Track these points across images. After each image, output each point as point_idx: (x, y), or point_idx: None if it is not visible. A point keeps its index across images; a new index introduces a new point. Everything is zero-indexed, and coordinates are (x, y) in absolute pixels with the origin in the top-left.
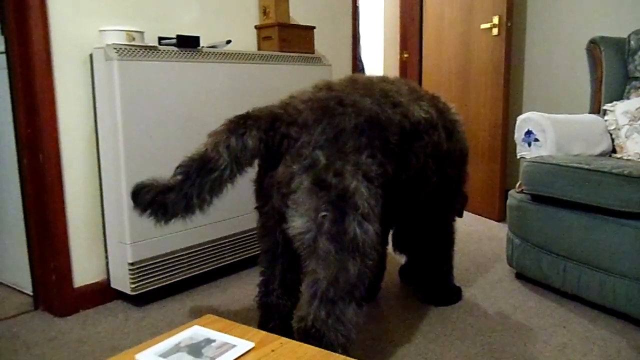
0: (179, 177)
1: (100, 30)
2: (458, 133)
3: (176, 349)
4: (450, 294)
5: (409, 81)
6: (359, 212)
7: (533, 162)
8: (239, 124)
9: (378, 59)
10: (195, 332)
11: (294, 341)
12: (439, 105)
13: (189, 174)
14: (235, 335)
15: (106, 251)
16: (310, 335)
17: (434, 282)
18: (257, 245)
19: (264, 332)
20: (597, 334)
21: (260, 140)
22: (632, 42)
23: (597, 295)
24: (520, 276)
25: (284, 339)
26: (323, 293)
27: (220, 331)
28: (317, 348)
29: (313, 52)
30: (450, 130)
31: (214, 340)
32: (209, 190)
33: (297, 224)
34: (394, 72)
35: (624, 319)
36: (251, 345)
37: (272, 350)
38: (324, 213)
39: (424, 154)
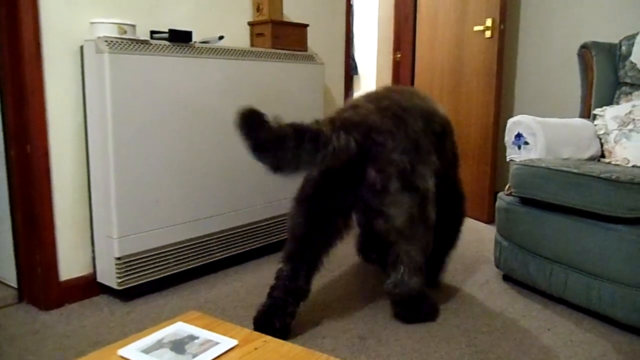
0: (289, 130)
1: (92, 23)
2: (439, 116)
3: (159, 345)
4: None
5: (418, 89)
6: (432, 202)
7: (522, 165)
8: (346, 125)
9: (371, 59)
10: (179, 328)
11: (277, 339)
12: (422, 96)
13: (303, 138)
14: (219, 333)
15: (93, 245)
16: (412, 296)
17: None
18: (244, 243)
19: (247, 330)
20: (582, 337)
21: (357, 143)
22: (623, 48)
23: (582, 298)
24: (507, 278)
25: (267, 337)
26: (417, 263)
27: (204, 328)
28: (300, 347)
29: (306, 50)
30: (434, 114)
31: (197, 337)
32: (307, 162)
33: (400, 219)
34: (387, 73)
35: (609, 322)
36: (234, 342)
37: (256, 349)
38: (416, 208)
39: (447, 150)
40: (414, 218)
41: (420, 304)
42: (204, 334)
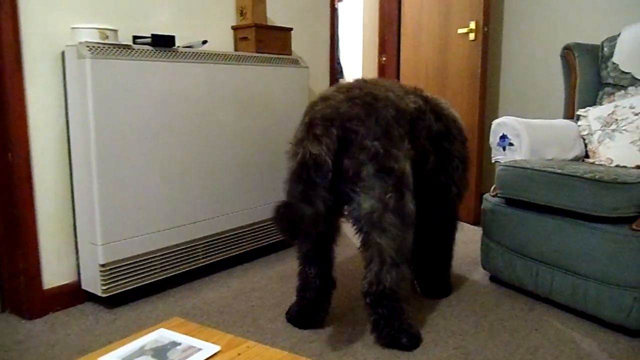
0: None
1: (73, 28)
2: (445, 116)
3: (141, 352)
4: (448, 285)
5: (394, 80)
6: (410, 190)
7: (507, 166)
8: (324, 127)
9: (357, 62)
10: (161, 335)
11: (260, 344)
12: (423, 95)
13: (314, 180)
14: (201, 339)
15: (77, 252)
16: (385, 296)
17: (435, 273)
18: (230, 248)
19: (230, 336)
20: (568, 337)
21: (338, 137)
22: (605, 49)
23: (568, 298)
24: (494, 279)
25: (250, 342)
26: (392, 259)
27: (186, 334)
28: (284, 352)
29: (290, 54)
30: (437, 113)
31: (179, 344)
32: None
33: (367, 204)
34: (373, 75)
35: (595, 321)
36: (217, 348)
37: (239, 354)
38: (390, 194)
39: (421, 137)
40: (386, 205)
41: (394, 309)
42: (186, 340)
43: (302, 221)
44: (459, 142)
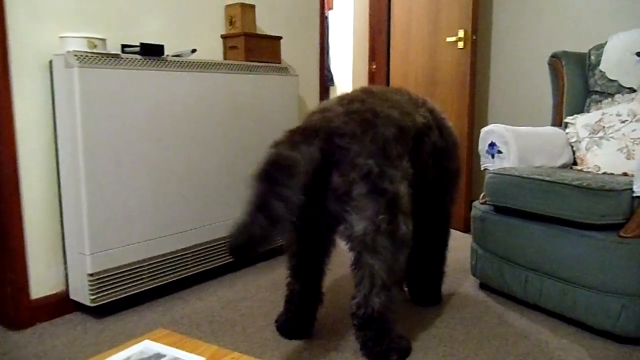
0: (261, 186)
1: (61, 37)
2: (447, 129)
3: None
4: (439, 294)
5: (405, 90)
6: (404, 212)
7: (496, 173)
8: (305, 134)
9: (347, 70)
10: (146, 346)
11: (245, 356)
12: (430, 109)
13: (276, 179)
14: (186, 350)
15: (65, 262)
16: (373, 319)
17: (428, 282)
18: (219, 257)
19: (215, 347)
20: (557, 344)
21: (321, 150)
22: (592, 57)
23: (557, 305)
24: (483, 286)
25: (235, 354)
26: (382, 282)
27: (171, 345)
28: None
29: (280, 62)
30: (440, 128)
31: (164, 355)
32: (292, 200)
33: (360, 227)
34: (363, 83)
35: (584, 328)
36: None
37: None
38: (382, 216)
39: (425, 153)
40: (379, 227)
41: (381, 330)
42: (171, 352)
43: (250, 244)
44: (455, 156)
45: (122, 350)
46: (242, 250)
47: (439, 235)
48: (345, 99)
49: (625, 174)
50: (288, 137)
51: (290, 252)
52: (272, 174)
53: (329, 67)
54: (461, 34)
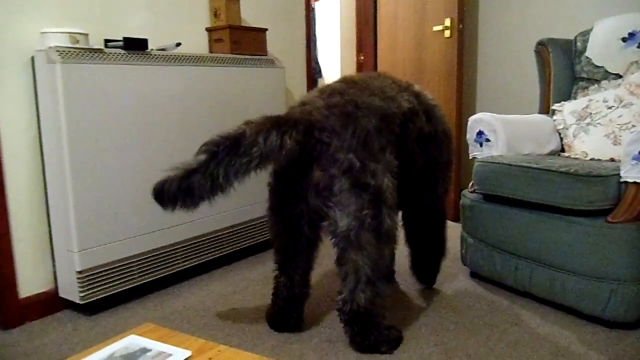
0: (202, 157)
1: (42, 32)
2: (436, 118)
3: (110, 359)
4: (435, 275)
5: (388, 75)
6: (388, 205)
7: (484, 162)
8: (281, 123)
9: (335, 61)
10: (132, 341)
11: (231, 348)
12: (416, 93)
13: (216, 153)
14: (172, 344)
15: (53, 260)
16: (359, 314)
17: (431, 263)
18: (210, 251)
19: (202, 340)
20: (548, 330)
21: (298, 142)
22: (578, 44)
23: (547, 291)
24: (474, 275)
25: (221, 347)
26: (367, 277)
27: (157, 340)
28: (255, 355)
29: (266, 55)
30: (429, 114)
31: (149, 350)
32: (234, 173)
33: (344, 223)
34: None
35: (573, 314)
36: (188, 353)
37: (210, 358)
38: (366, 211)
39: (411, 140)
40: (363, 223)
41: (369, 325)
42: (156, 346)
43: (162, 193)
44: (445, 146)
45: (107, 346)
46: (156, 197)
47: (430, 226)
48: (325, 92)
49: (612, 160)
50: (261, 120)
51: (277, 245)
52: (213, 150)
53: (316, 59)
54: (447, 22)
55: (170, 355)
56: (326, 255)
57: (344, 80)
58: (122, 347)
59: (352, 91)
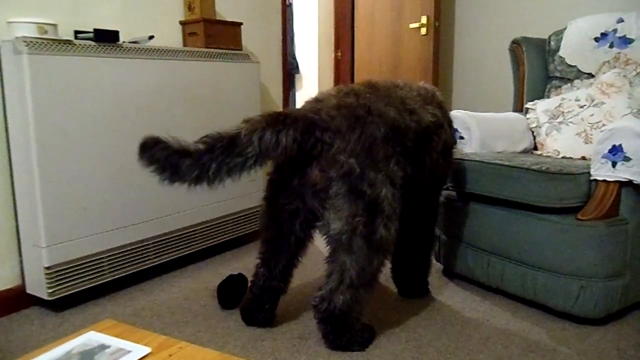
0: (201, 147)
1: (9, 22)
2: (451, 127)
3: (67, 357)
4: (426, 285)
5: (416, 85)
6: (385, 215)
7: (458, 159)
8: (278, 121)
9: (313, 57)
10: (90, 338)
11: (192, 345)
12: (439, 103)
13: (213, 147)
14: (132, 341)
15: (20, 255)
16: (334, 315)
17: (419, 274)
18: (182, 247)
19: (163, 337)
20: (519, 326)
21: (295, 140)
22: (552, 43)
23: (519, 288)
24: (447, 272)
25: (183, 343)
26: (351, 280)
27: (117, 336)
28: (215, 352)
29: (241, 49)
30: (450, 124)
31: (108, 346)
32: (227, 171)
33: (336, 226)
34: (329, 71)
35: (544, 310)
36: (147, 350)
37: (170, 355)
38: (359, 218)
39: (435, 152)
40: (355, 229)
41: (343, 327)
42: (116, 342)
43: (149, 150)
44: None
45: (64, 343)
46: (141, 149)
47: (431, 227)
48: (342, 91)
49: (583, 158)
50: (258, 118)
51: (264, 237)
52: (212, 144)
53: (294, 54)
54: (424, 20)
55: (129, 352)
56: (310, 257)
57: (368, 84)
58: (81, 343)
59: (369, 96)
